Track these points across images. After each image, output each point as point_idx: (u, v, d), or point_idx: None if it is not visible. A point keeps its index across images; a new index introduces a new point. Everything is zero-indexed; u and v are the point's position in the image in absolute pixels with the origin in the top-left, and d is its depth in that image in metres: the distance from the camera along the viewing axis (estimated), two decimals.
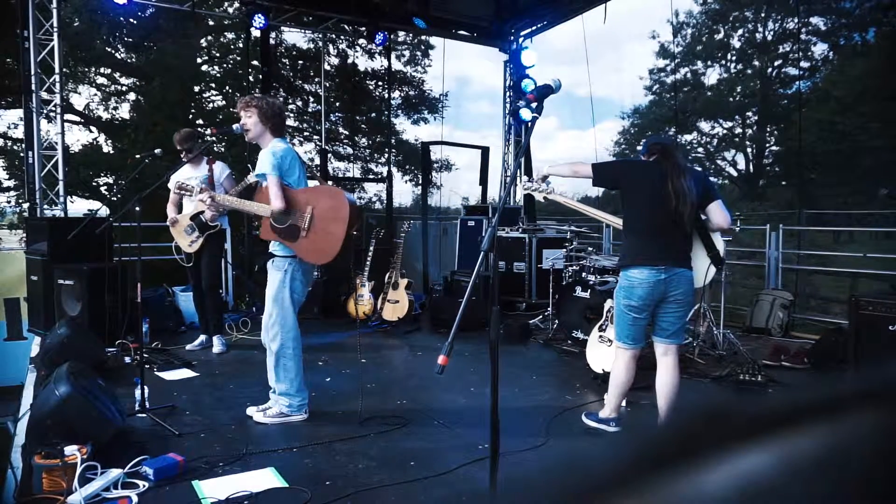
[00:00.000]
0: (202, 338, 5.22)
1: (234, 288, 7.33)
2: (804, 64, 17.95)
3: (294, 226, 3.39)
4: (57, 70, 6.38)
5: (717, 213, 3.30)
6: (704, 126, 21.31)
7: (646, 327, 3.44)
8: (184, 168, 4.88)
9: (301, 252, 3.41)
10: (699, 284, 3.46)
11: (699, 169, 3.65)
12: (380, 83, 14.97)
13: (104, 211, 7.62)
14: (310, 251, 3.39)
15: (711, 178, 3.73)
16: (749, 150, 21.53)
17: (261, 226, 3.56)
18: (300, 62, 14.99)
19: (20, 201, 12.40)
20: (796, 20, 18.06)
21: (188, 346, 5.18)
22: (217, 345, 5.09)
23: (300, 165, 3.52)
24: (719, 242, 3.46)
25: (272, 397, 3.55)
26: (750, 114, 20.79)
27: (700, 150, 21.58)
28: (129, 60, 14.01)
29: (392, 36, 9.85)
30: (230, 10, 12.80)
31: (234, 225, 6.35)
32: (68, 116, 11.57)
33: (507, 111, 9.63)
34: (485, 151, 9.09)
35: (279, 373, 3.47)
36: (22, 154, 8.37)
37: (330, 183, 7.10)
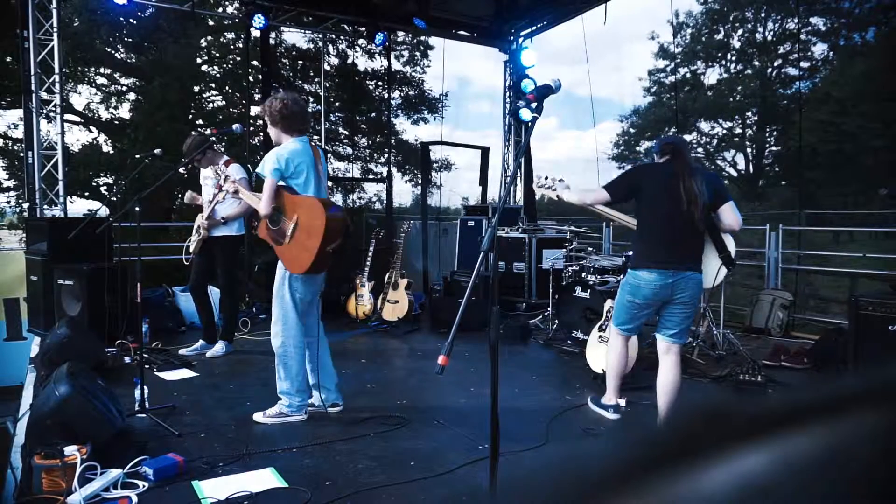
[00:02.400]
0: (200, 342, 5.11)
1: None
2: (804, 64, 17.95)
3: (282, 230, 3.39)
4: (57, 70, 6.37)
5: (729, 214, 3.30)
6: (704, 126, 21.33)
7: (644, 322, 3.46)
8: (204, 171, 4.95)
9: (280, 257, 3.42)
10: (709, 285, 3.48)
11: (711, 170, 3.68)
12: (380, 83, 14.96)
13: (104, 211, 7.62)
14: (287, 258, 3.40)
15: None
16: (749, 150, 21.56)
17: (258, 225, 3.56)
18: (300, 62, 14.98)
19: (20, 201, 12.40)
20: (796, 20, 18.07)
21: (183, 351, 5.02)
22: (216, 348, 5.03)
23: (312, 167, 3.41)
24: (730, 244, 3.46)
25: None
26: (750, 114, 20.80)
27: (700, 150, 21.59)
28: (129, 60, 14.01)
29: (392, 36, 9.84)
30: (230, 9, 12.79)
31: None
32: (68, 116, 11.58)
33: (507, 111, 9.63)
34: (485, 151, 9.10)
35: (280, 371, 3.47)
36: (22, 154, 8.37)
37: (329, 183, 7.08)
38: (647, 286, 3.20)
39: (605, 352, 3.70)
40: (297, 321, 3.45)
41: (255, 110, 3.60)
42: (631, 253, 3.44)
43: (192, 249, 4.98)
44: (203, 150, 4.57)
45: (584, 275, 5.45)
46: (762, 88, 19.73)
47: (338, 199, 14.94)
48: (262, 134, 7.21)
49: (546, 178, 3.55)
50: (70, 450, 2.54)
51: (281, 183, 3.38)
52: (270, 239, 3.45)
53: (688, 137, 21.05)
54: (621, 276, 4.42)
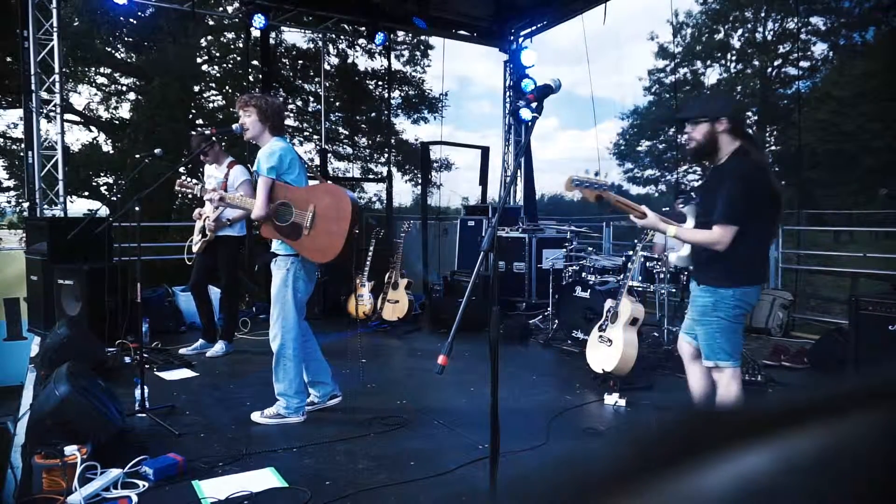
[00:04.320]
0: (200, 341, 5.11)
1: None
2: (804, 64, 17.96)
3: (296, 224, 3.38)
4: (57, 70, 6.38)
5: None
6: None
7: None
8: (208, 168, 4.99)
9: (303, 251, 3.39)
10: None
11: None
12: (380, 83, 14.97)
13: (104, 211, 7.62)
14: (312, 250, 3.38)
15: None
16: None
17: (261, 224, 3.55)
18: (300, 62, 14.98)
19: (20, 201, 12.41)
20: (796, 20, 18.07)
21: (183, 350, 5.01)
22: (216, 348, 5.03)
23: (300, 163, 3.51)
24: None
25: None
26: (750, 113, 20.79)
27: None
28: (129, 60, 14.01)
29: (392, 36, 9.85)
30: (230, 9, 12.80)
31: None
32: (68, 116, 11.58)
33: (507, 111, 9.63)
34: (485, 151, 9.10)
35: (278, 373, 3.46)
36: (22, 154, 8.38)
37: (329, 182, 7.07)
38: (756, 295, 2.82)
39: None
40: (296, 322, 3.44)
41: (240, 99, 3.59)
42: (729, 266, 2.71)
43: (194, 249, 4.98)
44: (210, 144, 4.63)
45: (584, 275, 5.45)
46: (762, 88, 19.73)
47: None
48: None
49: (597, 174, 2.95)
50: (70, 450, 2.54)
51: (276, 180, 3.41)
52: (282, 236, 3.42)
53: None
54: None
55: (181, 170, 4.42)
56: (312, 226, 3.34)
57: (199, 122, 14.44)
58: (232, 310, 5.17)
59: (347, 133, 15.84)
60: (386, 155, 15.08)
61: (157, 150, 4.37)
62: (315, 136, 15.10)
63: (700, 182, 2.82)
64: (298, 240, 3.37)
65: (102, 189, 13.28)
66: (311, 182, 3.67)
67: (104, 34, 12.63)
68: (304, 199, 3.38)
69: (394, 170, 15.88)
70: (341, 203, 3.34)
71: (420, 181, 11.35)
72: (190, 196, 4.24)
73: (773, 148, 20.42)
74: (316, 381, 3.66)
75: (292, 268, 3.41)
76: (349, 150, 16.00)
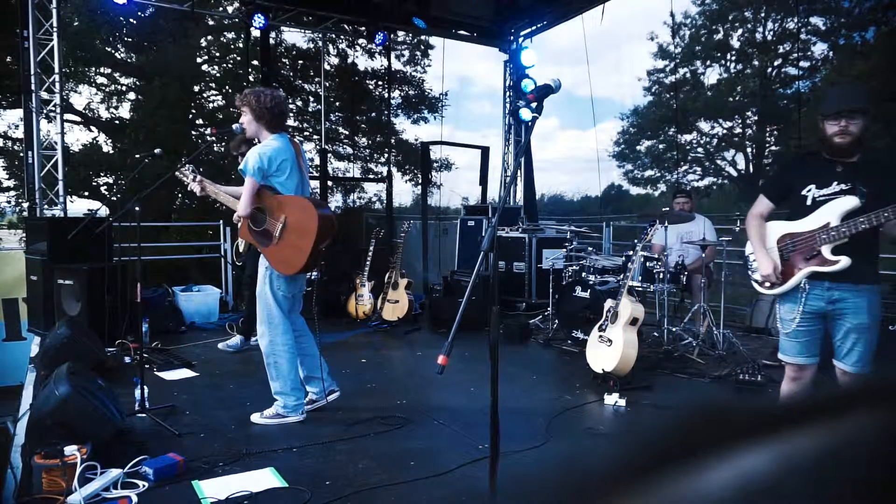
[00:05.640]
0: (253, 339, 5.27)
1: (234, 287, 7.34)
2: (804, 64, 17.96)
3: (267, 231, 3.38)
4: (57, 70, 6.37)
5: None
6: (704, 126, 21.32)
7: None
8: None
9: (268, 258, 3.40)
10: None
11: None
12: (380, 83, 14.97)
13: (104, 211, 7.62)
14: (277, 260, 3.38)
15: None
16: (749, 150, 21.53)
17: (240, 225, 3.55)
18: (300, 62, 14.97)
19: (20, 201, 12.40)
20: (796, 20, 18.07)
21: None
22: (232, 341, 5.12)
23: (294, 164, 3.42)
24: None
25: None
26: (750, 114, 20.79)
27: (700, 150, 21.59)
28: (129, 60, 14.01)
29: (392, 36, 9.85)
30: (230, 9, 12.79)
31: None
32: (68, 116, 11.58)
33: (507, 111, 9.63)
34: (485, 151, 9.10)
35: (271, 371, 3.46)
36: (22, 154, 8.38)
37: (329, 183, 7.08)
38: None
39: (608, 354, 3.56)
40: (282, 319, 3.44)
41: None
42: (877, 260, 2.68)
43: (241, 250, 5.09)
44: (205, 146, 4.68)
45: (584, 275, 5.45)
46: (762, 88, 19.72)
47: (338, 198, 14.93)
48: None
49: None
50: (70, 450, 2.54)
51: (262, 182, 3.37)
52: (254, 239, 3.44)
53: (687, 137, 21.07)
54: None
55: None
56: (281, 237, 3.34)
57: (199, 122, 14.44)
58: (252, 308, 5.24)
59: (347, 133, 15.83)
60: (386, 155, 15.09)
61: (157, 150, 4.36)
62: (315, 136, 15.09)
63: (840, 178, 2.54)
64: (267, 247, 3.39)
65: (102, 189, 13.27)
66: (312, 182, 3.67)
67: (104, 34, 12.62)
68: (278, 209, 3.36)
69: (394, 170, 15.88)
70: (309, 220, 3.31)
71: (420, 181, 11.36)
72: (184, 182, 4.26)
73: (773, 148, 20.43)
74: (311, 377, 3.66)
75: (271, 265, 3.42)
76: (349, 150, 15.99)
